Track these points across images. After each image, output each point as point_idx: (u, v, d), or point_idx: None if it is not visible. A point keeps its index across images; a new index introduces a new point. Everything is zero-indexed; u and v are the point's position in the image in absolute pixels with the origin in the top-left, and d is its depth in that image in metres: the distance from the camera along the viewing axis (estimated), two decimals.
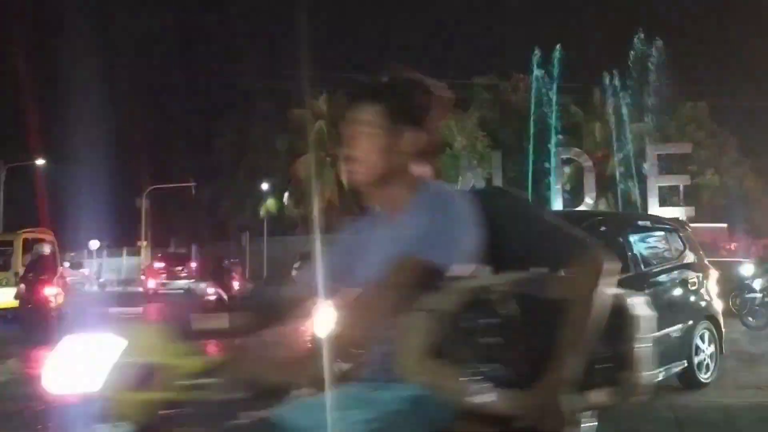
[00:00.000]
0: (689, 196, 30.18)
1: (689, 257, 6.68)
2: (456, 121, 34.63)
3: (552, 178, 30.03)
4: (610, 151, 33.10)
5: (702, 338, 6.29)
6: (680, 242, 6.74)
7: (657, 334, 4.28)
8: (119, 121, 43.39)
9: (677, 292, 6.34)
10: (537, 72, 32.13)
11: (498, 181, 30.47)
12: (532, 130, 32.08)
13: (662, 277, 6.23)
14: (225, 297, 14.74)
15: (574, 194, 31.86)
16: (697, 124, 34.67)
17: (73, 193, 39.11)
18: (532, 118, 32.17)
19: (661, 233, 6.72)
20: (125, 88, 42.34)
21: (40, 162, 34.15)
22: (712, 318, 6.56)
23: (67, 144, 39.86)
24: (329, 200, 37.06)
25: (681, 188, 29.32)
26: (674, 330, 5.84)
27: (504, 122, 35.93)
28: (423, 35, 74.17)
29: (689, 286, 6.42)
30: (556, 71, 31.85)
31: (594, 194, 30.06)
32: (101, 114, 42.95)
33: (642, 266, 5.92)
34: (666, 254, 6.56)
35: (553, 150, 31.23)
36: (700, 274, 6.61)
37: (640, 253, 6.03)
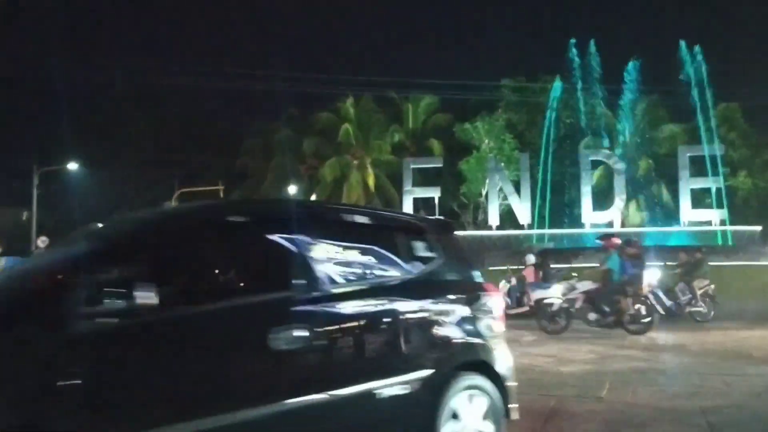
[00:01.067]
0: (722, 199, 29.65)
1: (442, 273, 4.54)
2: (483, 124, 34.51)
3: (581, 181, 29.70)
4: (641, 153, 32.67)
5: (460, 401, 4.08)
6: (428, 251, 4.54)
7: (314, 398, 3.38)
8: (149, 126, 44.11)
9: (400, 324, 4.07)
10: (566, 73, 31.81)
11: (526, 184, 30.28)
12: (559, 132, 31.81)
13: (364, 302, 3.96)
14: None
15: (604, 197, 31.49)
16: (730, 126, 34.09)
17: (105, 197, 39.84)
18: (560, 120, 31.89)
19: (385, 235, 4.43)
20: (154, 93, 42.90)
21: (72, 166, 34.84)
22: (482, 366, 4.35)
23: (98, 148, 40.64)
24: (355, 203, 37.17)
25: (713, 190, 28.83)
26: (380, 387, 3.77)
27: (532, 124, 35.71)
28: (450, 38, 74.14)
29: (434, 315, 4.24)
30: (582, 71, 31.49)
31: (624, 196, 29.67)
32: (130, 118, 43.74)
33: (322, 283, 3.76)
34: (386, 268, 4.26)
35: (581, 152, 30.91)
36: (462, 298, 4.48)
37: (319, 263, 3.83)
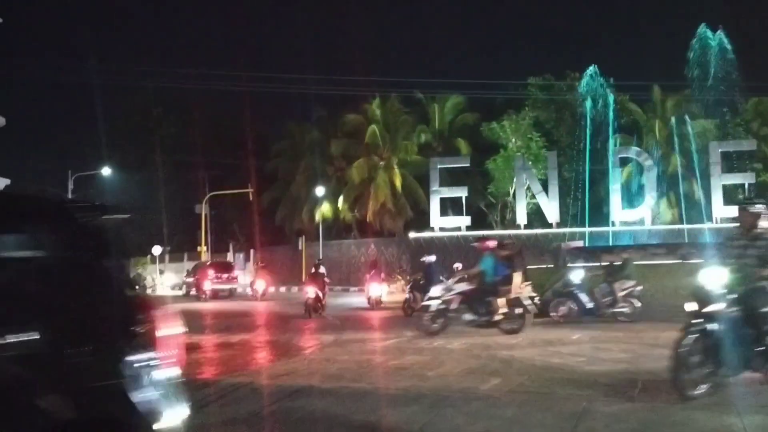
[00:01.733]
0: (755, 195, 29.24)
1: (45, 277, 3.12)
2: (510, 122, 34.41)
3: (609, 178, 29.48)
4: (671, 149, 32.30)
5: None
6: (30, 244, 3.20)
7: None
8: (179, 130, 44.83)
9: None
10: (593, 70, 31.59)
11: (554, 182, 30.16)
12: (588, 130, 31.59)
13: None
14: (321, 296, 17.07)
15: (634, 194, 31.23)
16: (763, 120, 33.53)
17: (139, 200, 40.61)
18: (588, 117, 31.67)
19: None
20: (184, 97, 43.62)
21: (105, 171, 35.59)
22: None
23: (130, 153, 41.44)
24: (383, 204, 37.31)
25: (746, 186, 28.42)
26: None
27: (559, 122, 35.50)
28: (476, 37, 73.90)
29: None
30: (609, 69, 31.25)
31: (655, 193, 29.40)
32: (160, 123, 44.51)
33: None
34: None
35: (611, 149, 30.67)
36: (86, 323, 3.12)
37: None
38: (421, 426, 4.95)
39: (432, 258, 17.41)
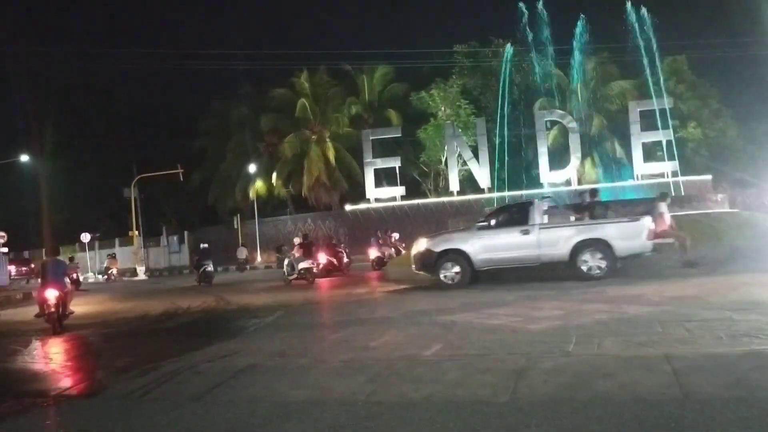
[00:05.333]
0: (673, 151, 30.60)
1: None
2: (438, 91, 34.67)
3: (537, 141, 30.22)
4: (593, 110, 33.31)
5: None
6: None
7: None
8: (99, 112, 43.15)
9: None
10: (517, 36, 32.07)
11: (484, 149, 30.67)
12: (513, 95, 32.17)
13: None
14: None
15: (560, 156, 32.14)
16: (678, 78, 34.88)
17: (63, 187, 39.00)
18: (513, 83, 32.26)
19: None
20: (102, 78, 41.93)
21: (24, 158, 33.95)
22: None
23: (48, 138, 39.62)
24: (317, 178, 37.13)
25: (664, 143, 29.69)
26: None
27: (486, 88, 36.01)
28: (402, 6, 73.52)
29: None
30: (533, 34, 31.76)
31: (579, 154, 30.38)
32: (79, 105, 42.64)
33: None
34: None
35: (536, 113, 31.38)
36: None
37: None
38: (367, 395, 5.07)
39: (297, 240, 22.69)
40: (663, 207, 13.35)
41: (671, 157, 29.07)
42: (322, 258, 20.61)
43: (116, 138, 41.96)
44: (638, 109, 29.42)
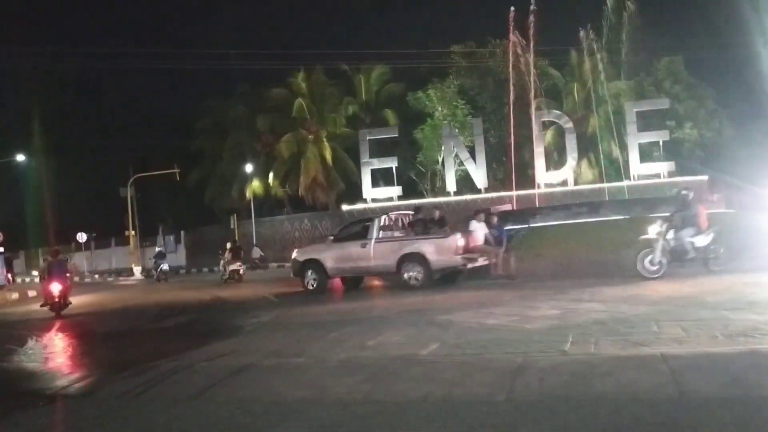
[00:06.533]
0: (669, 151, 30.63)
1: None
2: (435, 91, 34.66)
3: (534, 142, 30.22)
4: (590, 111, 33.32)
5: None
6: None
7: None
8: (93, 112, 43.06)
9: None
10: (513, 36, 32.06)
11: (480, 149, 30.66)
12: (511, 96, 32.17)
13: None
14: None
15: (557, 156, 32.18)
16: (674, 79, 34.88)
17: (60, 187, 38.90)
18: (511, 83, 32.27)
19: None
20: (96, 78, 41.84)
21: (20, 158, 33.85)
22: None
23: (43, 139, 39.54)
24: (314, 178, 37.10)
25: (661, 143, 29.72)
26: None
27: (483, 88, 36.00)
28: (399, 6, 73.50)
29: None
30: (530, 34, 31.77)
31: (576, 155, 30.38)
32: (73, 106, 42.54)
33: None
34: None
35: (533, 113, 31.38)
36: None
37: None
38: (364, 395, 5.07)
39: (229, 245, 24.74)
40: (474, 225, 14.22)
41: (667, 158, 29.15)
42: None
43: (113, 138, 41.91)
44: (635, 110, 29.45)
